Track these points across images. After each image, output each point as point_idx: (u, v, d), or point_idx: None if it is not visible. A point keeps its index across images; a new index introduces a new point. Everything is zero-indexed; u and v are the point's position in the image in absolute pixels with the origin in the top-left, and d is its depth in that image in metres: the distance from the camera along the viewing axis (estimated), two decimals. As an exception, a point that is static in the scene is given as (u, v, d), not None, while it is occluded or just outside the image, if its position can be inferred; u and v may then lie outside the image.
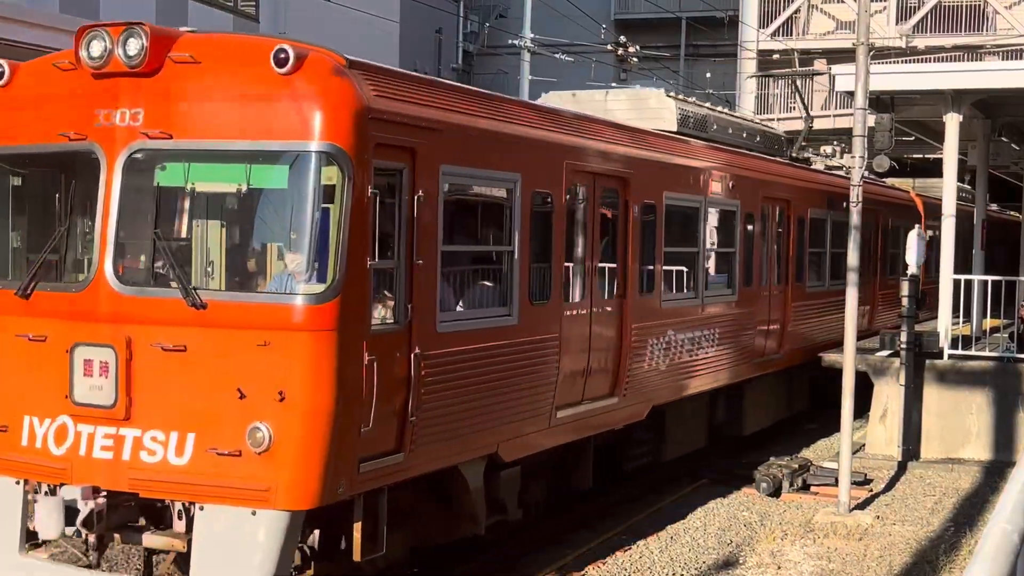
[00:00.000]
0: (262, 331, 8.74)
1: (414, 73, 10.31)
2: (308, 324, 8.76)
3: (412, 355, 9.63)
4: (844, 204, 20.99)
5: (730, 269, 16.81)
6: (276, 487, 8.61)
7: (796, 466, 16.30)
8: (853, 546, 13.32)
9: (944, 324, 19.02)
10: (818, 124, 34.44)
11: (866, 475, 16.56)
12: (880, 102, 18.45)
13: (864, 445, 18.77)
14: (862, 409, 18.46)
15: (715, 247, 16.41)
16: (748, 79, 37.07)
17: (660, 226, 14.30)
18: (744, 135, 18.53)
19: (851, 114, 15.65)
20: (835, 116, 33.39)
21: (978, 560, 4.42)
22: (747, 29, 37.86)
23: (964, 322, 19.22)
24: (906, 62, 29.46)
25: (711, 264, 16.32)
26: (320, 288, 8.79)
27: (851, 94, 15.83)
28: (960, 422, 18.24)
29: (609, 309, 13.19)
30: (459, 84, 11.28)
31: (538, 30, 34.06)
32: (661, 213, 14.30)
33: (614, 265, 13.32)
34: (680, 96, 16.53)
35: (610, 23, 44.07)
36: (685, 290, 15.34)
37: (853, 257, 15.11)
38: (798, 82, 27.33)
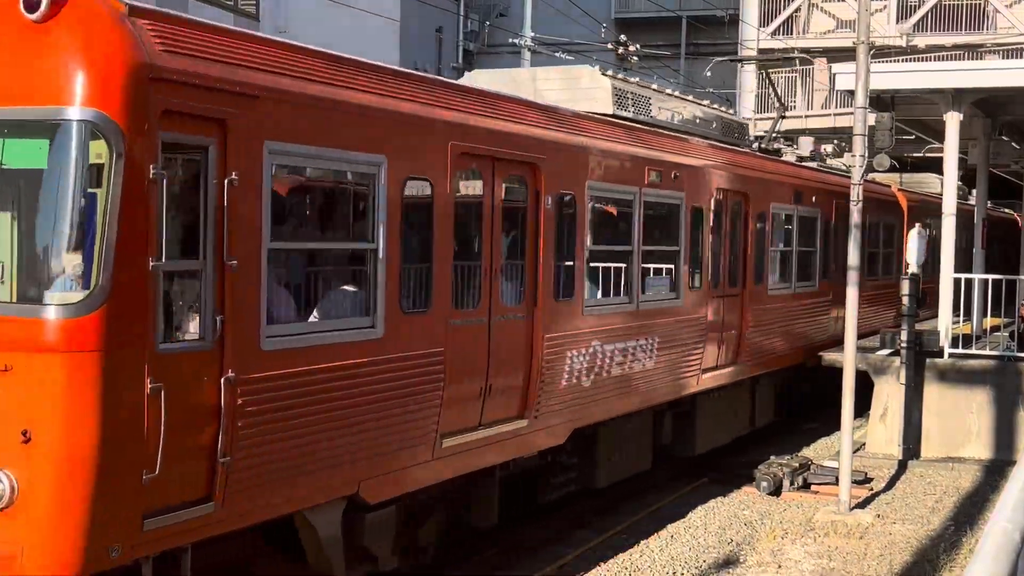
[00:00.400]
0: (1, 353, 6.99)
1: (227, 26, 8.32)
2: (61, 343, 6.94)
3: (223, 379, 7.80)
4: (813, 198, 19.87)
5: (674, 270, 14.89)
6: (22, 552, 6.89)
7: (796, 465, 16.30)
8: (854, 545, 13.32)
9: (944, 323, 19.02)
10: (818, 123, 34.47)
11: (866, 474, 16.56)
12: (880, 101, 18.45)
13: (864, 444, 18.77)
14: (862, 408, 18.45)
15: (654, 245, 14.49)
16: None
17: (582, 220, 12.53)
18: (697, 121, 16.86)
19: (851, 113, 15.64)
20: (835, 115, 33.36)
21: (979, 559, 4.42)
22: (747, 28, 37.83)
23: (964, 321, 19.22)
24: (906, 61, 29.44)
25: (649, 265, 14.37)
26: (77, 296, 6.97)
27: (851, 93, 15.82)
28: (960, 421, 18.24)
29: (515, 317, 11.41)
30: (295, 43, 9.12)
31: (539, 29, 34.07)
32: (584, 205, 12.52)
33: (522, 266, 11.63)
34: (620, 76, 14.89)
35: (610, 22, 44.07)
36: (616, 294, 13.62)
37: (853, 256, 15.11)
38: (773, 74, 26.55)
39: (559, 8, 32.84)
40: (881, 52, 30.33)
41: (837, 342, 20.62)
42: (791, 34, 37.93)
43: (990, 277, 19.46)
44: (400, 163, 9.59)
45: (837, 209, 21.01)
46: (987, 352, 18.75)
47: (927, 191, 29.33)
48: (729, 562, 12.64)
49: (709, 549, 13.14)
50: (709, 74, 34.85)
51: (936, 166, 24.91)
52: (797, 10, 37.95)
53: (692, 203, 15.21)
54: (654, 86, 15.91)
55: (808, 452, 18.72)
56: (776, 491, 15.88)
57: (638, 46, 30.93)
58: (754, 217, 17.49)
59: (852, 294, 15.10)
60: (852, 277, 15.13)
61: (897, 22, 35.95)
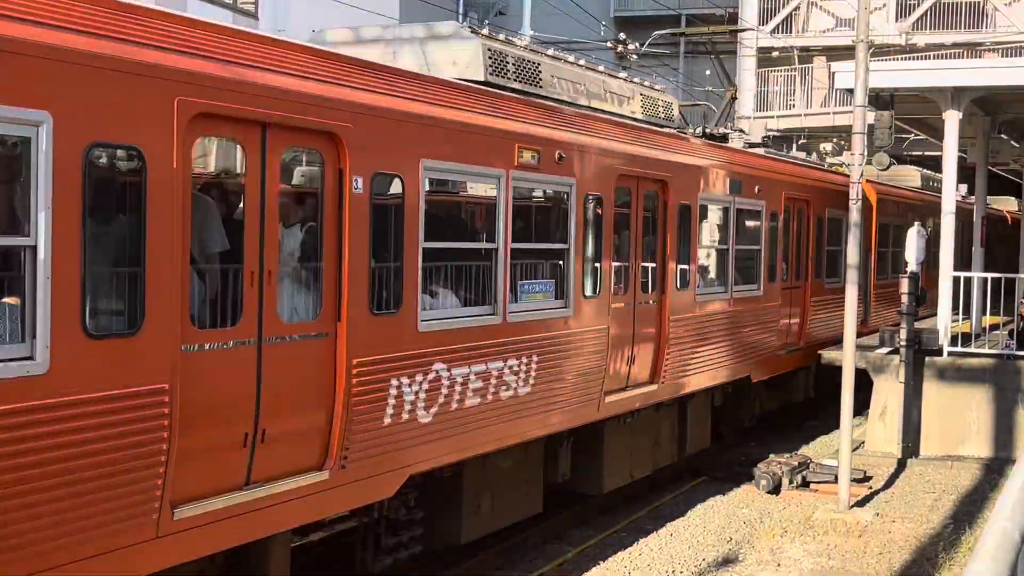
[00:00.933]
0: None
1: None
2: None
3: None
4: (757, 189, 17.52)
5: (562, 273, 12.26)
6: None
7: (796, 463, 16.31)
8: (853, 543, 13.32)
9: (944, 321, 19.03)
10: (817, 121, 34.51)
11: (866, 472, 16.56)
12: (880, 99, 18.46)
13: (864, 442, 18.78)
14: (861, 406, 18.46)
15: (531, 242, 12.13)
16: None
17: (414, 211, 9.80)
18: (610, 97, 14.20)
19: (850, 111, 15.65)
20: (834, 113, 33.41)
21: (978, 558, 4.41)
22: (746, 26, 37.87)
23: (964, 319, 19.24)
24: (906, 59, 29.43)
25: (525, 264, 11.75)
26: None
27: (851, 91, 15.83)
28: (960, 419, 18.25)
29: (307, 337, 8.75)
30: None
31: (537, 27, 34.07)
32: (417, 191, 9.81)
33: (317, 269, 8.93)
34: (500, 37, 12.42)
35: (609, 20, 44.09)
36: (473, 304, 10.94)
37: (853, 254, 15.13)
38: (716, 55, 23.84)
39: (558, 6, 32.85)
40: (880, 50, 30.37)
41: (793, 355, 19.45)
42: (790, 32, 37.98)
43: (989, 275, 19.47)
44: (78, 123, 6.91)
45: (789, 201, 19.19)
46: (986, 350, 18.76)
47: (905, 184, 27.90)
48: (728, 560, 12.65)
49: (708, 547, 13.15)
50: (709, 72, 34.81)
51: (934, 164, 24.87)
52: (796, 8, 37.99)
53: (587, 191, 12.54)
54: (551, 52, 13.44)
55: (807, 450, 18.72)
56: (775, 489, 15.89)
57: (637, 44, 31.00)
58: (676, 209, 14.74)
59: (851, 292, 15.13)
60: (851, 276, 15.18)
61: (896, 20, 35.99)
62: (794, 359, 19.84)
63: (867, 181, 24.10)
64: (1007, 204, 39.59)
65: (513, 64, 12.13)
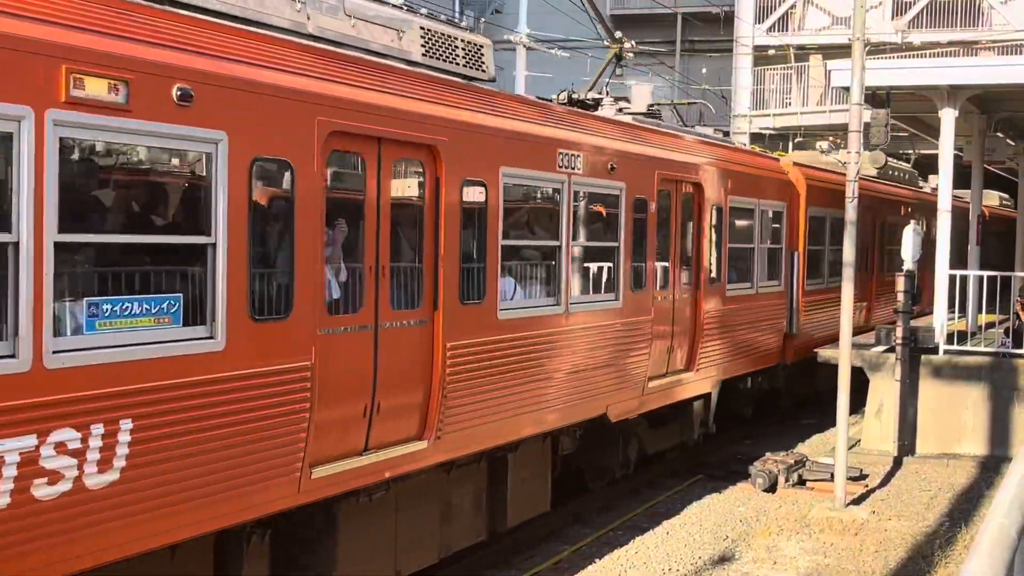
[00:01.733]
0: None
1: None
2: None
3: None
4: (612, 166, 13.28)
5: (200, 285, 7.86)
6: None
7: (792, 461, 16.33)
8: (849, 541, 13.33)
9: (940, 319, 19.04)
10: (813, 120, 34.52)
11: (862, 470, 16.57)
12: (876, 97, 18.46)
13: (860, 440, 18.80)
14: (858, 405, 18.47)
15: (118, 233, 7.54)
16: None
17: None
18: (357, 24, 9.99)
19: (847, 109, 15.65)
20: (831, 112, 33.43)
21: (975, 555, 4.42)
22: (743, 24, 37.88)
23: (960, 317, 19.27)
24: (902, 57, 29.46)
25: (102, 275, 7.32)
26: None
27: (847, 90, 15.83)
28: (956, 417, 18.27)
29: None
30: None
31: (534, 25, 34.08)
32: None
33: None
34: None
35: (606, 18, 44.11)
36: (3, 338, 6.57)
37: (849, 253, 15.09)
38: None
39: (555, 5, 32.87)
40: (877, 49, 30.39)
41: (681, 372, 15.58)
42: (786, 30, 37.99)
43: (985, 273, 19.49)
44: None
45: (666, 185, 14.99)
46: (982, 348, 18.78)
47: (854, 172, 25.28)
48: (725, 558, 12.66)
49: (705, 545, 13.15)
50: (706, 71, 34.80)
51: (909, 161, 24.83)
52: (792, 7, 38.00)
53: (255, 154, 8.23)
54: None
55: (804, 448, 18.73)
56: (772, 487, 15.90)
57: (633, 43, 31.00)
58: (456, 190, 10.51)
59: (847, 290, 15.11)
60: (847, 274, 15.14)
61: (892, 19, 36.00)
62: (679, 387, 15.70)
63: (794, 164, 20.93)
64: (987, 199, 39.50)
65: None
